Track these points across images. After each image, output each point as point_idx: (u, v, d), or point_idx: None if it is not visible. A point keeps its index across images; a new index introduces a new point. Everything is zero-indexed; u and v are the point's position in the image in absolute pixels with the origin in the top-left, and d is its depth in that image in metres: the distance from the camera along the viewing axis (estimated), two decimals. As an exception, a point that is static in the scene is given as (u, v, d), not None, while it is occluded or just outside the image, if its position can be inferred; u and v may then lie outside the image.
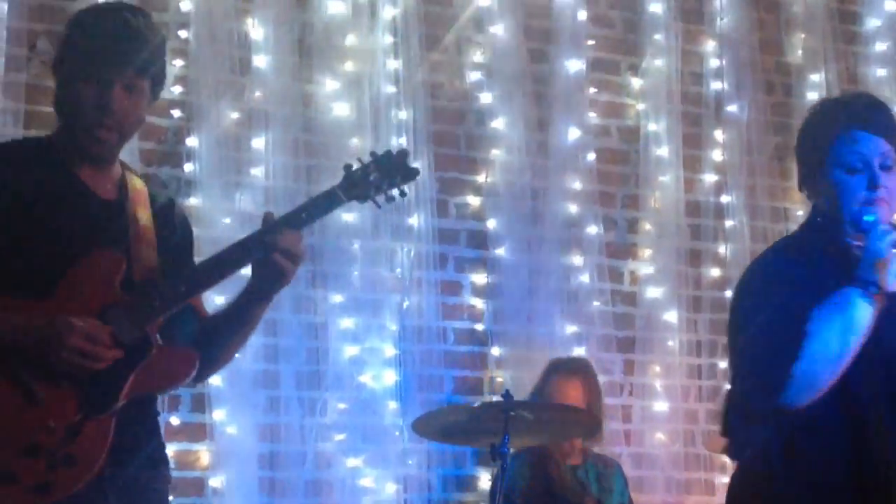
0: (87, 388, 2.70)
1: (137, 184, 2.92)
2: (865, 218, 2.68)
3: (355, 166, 2.88)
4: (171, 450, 4.40)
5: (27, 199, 2.75)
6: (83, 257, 2.76)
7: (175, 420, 4.79)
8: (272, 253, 2.78)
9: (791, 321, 2.62)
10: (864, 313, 2.61)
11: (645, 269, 5.63)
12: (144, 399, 2.83)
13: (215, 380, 4.70)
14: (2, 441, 2.64)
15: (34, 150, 2.87)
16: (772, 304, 2.66)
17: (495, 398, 4.74)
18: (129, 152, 3.95)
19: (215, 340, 2.93)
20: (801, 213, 5.42)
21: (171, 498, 2.91)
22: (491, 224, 5.41)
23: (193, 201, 4.85)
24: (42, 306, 2.70)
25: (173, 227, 2.96)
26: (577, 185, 5.51)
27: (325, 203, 2.87)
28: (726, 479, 3.52)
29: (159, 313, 2.79)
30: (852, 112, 2.78)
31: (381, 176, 2.89)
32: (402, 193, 2.93)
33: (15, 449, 2.64)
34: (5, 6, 4.63)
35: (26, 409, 2.66)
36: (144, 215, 2.87)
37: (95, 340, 2.69)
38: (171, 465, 2.96)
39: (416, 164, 3.09)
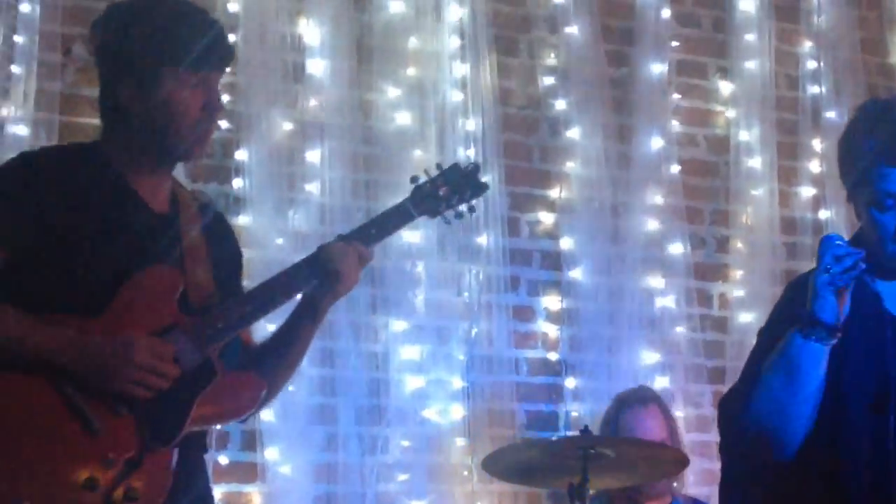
0: (147, 416, 2.66)
1: (187, 197, 2.91)
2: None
3: (422, 180, 2.92)
4: (219, 492, 4.47)
5: (78, 209, 2.72)
6: (138, 273, 2.72)
7: (223, 459, 4.73)
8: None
9: (758, 359, 2.72)
10: (803, 352, 2.62)
11: (736, 292, 5.56)
12: (195, 433, 2.79)
13: (267, 415, 4.63)
14: (57, 474, 2.59)
15: (85, 157, 2.82)
16: (759, 339, 2.81)
17: (572, 434, 4.68)
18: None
19: (264, 367, 2.88)
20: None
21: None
22: (566, 243, 5.36)
23: (243, 220, 4.80)
24: (94, 325, 2.67)
25: (223, 244, 2.95)
26: (660, 199, 5.47)
27: (396, 219, 2.91)
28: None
29: (222, 336, 2.76)
30: (881, 145, 2.72)
31: (450, 191, 2.93)
32: (472, 210, 2.99)
33: (71, 483, 2.59)
34: (37, 8, 4.61)
35: (82, 438, 2.62)
36: (195, 231, 2.86)
37: (162, 358, 2.66)
38: (220, 508, 2.85)
39: (484, 178, 3.11)
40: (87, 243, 2.70)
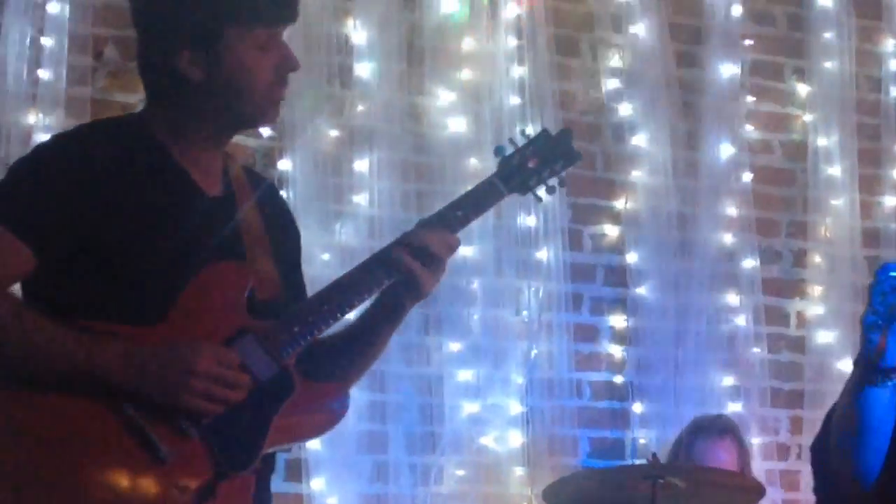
0: (219, 437, 2.46)
1: (238, 171, 2.69)
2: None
3: (509, 150, 2.71)
4: (261, 526, 4.37)
5: (124, 197, 2.50)
6: (199, 272, 2.52)
7: (267, 490, 4.65)
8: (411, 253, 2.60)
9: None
10: (862, 397, 2.69)
11: (814, 310, 5.50)
12: (266, 455, 2.58)
13: (313, 443, 4.58)
14: None
15: (128, 133, 2.59)
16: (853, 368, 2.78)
17: (639, 462, 4.74)
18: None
19: (330, 372, 2.68)
20: None
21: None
22: (632, 258, 5.31)
23: None
24: (151, 335, 2.47)
25: (283, 226, 2.73)
26: (732, 210, 5.41)
27: (483, 198, 2.68)
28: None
29: (299, 342, 2.54)
30: None
31: (540, 162, 2.72)
32: (562, 183, 2.76)
33: None
34: (66, 8, 4.57)
35: (149, 466, 2.42)
36: (253, 214, 2.64)
37: (231, 366, 2.46)
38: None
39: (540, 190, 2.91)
40: (135, 238, 2.49)
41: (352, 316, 2.67)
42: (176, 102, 2.58)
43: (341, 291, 2.59)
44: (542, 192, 2.72)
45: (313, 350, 2.63)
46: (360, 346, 2.71)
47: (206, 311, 2.51)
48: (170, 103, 2.59)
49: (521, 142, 2.72)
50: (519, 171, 2.69)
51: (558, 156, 2.73)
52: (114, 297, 2.47)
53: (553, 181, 2.73)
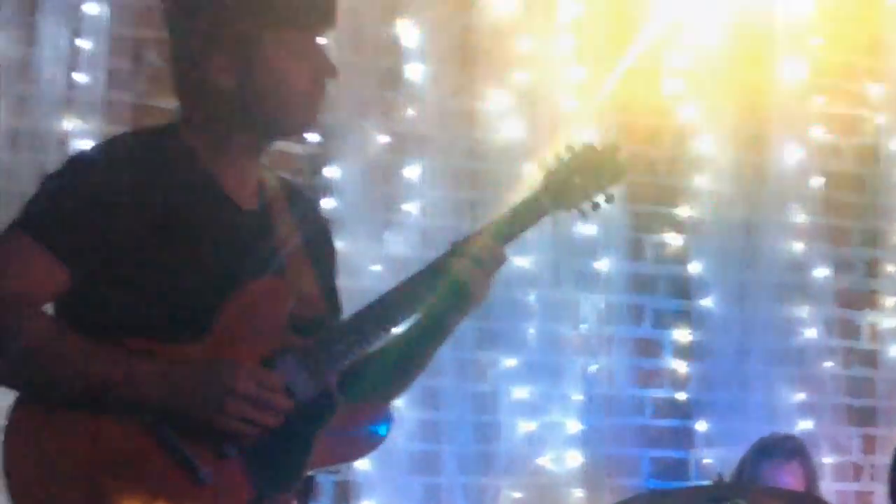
0: (260, 459, 2.46)
1: (273, 183, 2.68)
2: None
3: (553, 165, 2.72)
4: (308, 552, 4.36)
5: (158, 213, 2.49)
6: (239, 289, 2.50)
7: (313, 514, 4.63)
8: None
9: None
10: None
11: (888, 322, 5.45)
12: (307, 477, 2.59)
13: (362, 463, 4.53)
14: None
15: (161, 147, 2.57)
16: None
17: (704, 483, 4.52)
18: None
19: (372, 390, 2.67)
20: None
21: None
22: (696, 268, 5.27)
23: (335, 246, 4.59)
24: (192, 352, 2.46)
25: (320, 240, 2.74)
26: (801, 217, 5.39)
27: (528, 214, 2.69)
28: None
29: (341, 361, 2.54)
30: None
31: (585, 178, 2.72)
32: (609, 200, 2.75)
33: None
34: (105, 10, 4.52)
35: (188, 489, 2.42)
36: (290, 228, 2.64)
37: (271, 388, 2.45)
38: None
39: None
40: (169, 255, 2.47)
41: (396, 330, 2.68)
42: (208, 111, 2.56)
43: (387, 306, 2.58)
44: (587, 208, 2.72)
45: (356, 367, 2.62)
46: (405, 363, 2.70)
47: (247, 330, 2.50)
48: (202, 112, 2.57)
49: (566, 155, 2.71)
50: (564, 187, 2.69)
51: (604, 172, 2.72)
52: (149, 315, 2.45)
53: (599, 197, 2.72)
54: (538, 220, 2.67)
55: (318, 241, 2.72)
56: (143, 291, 2.44)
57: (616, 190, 2.73)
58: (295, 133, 2.73)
